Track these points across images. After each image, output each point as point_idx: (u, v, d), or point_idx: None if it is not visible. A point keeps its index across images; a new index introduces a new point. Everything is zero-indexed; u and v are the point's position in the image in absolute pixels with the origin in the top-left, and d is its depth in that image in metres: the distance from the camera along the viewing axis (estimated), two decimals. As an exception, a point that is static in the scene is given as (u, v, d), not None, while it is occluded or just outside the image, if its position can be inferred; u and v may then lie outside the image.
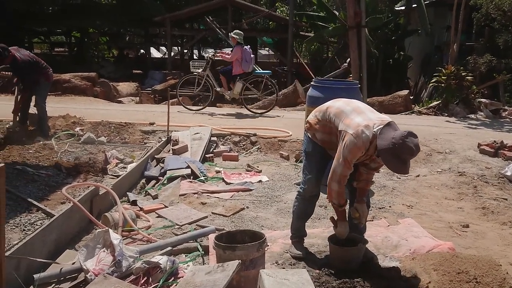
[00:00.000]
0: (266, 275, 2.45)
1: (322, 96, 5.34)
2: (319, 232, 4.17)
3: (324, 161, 3.63)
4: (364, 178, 3.45)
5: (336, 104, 3.48)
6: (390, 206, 5.02)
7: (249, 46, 9.96)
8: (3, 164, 2.81)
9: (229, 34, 10.03)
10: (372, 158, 3.30)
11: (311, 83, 5.73)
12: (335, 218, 3.53)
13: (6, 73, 11.02)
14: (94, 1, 23.08)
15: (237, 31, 10.01)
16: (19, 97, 7.22)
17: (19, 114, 7.22)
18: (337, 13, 15.19)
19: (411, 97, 13.10)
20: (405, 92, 12.35)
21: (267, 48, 26.45)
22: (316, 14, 17.23)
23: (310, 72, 16.34)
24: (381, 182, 5.83)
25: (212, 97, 10.44)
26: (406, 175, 3.27)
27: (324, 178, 3.57)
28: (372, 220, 4.56)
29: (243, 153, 7.20)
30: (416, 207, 5.08)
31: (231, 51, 9.84)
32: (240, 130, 7.87)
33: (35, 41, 25.90)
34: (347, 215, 3.53)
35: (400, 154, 3.00)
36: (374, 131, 3.11)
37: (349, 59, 12.27)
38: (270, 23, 25.06)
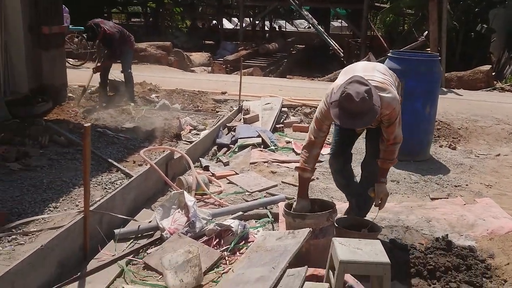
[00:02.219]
0: (338, 244, 2.45)
1: (399, 68, 5.16)
2: (390, 207, 4.09)
3: (344, 137, 3.50)
4: (382, 156, 3.22)
5: None
6: (467, 185, 4.81)
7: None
8: (89, 124, 2.99)
9: None
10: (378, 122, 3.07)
11: (388, 54, 5.54)
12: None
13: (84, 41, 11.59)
14: (170, -29, 23.43)
15: None
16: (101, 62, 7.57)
17: (100, 80, 7.55)
18: (417, -17, 14.45)
19: (493, 73, 12.34)
20: (487, 67, 11.65)
21: (340, 20, 25.83)
22: (394, -16, 16.50)
23: (385, 45, 15.79)
24: (458, 159, 5.60)
25: None
26: (359, 131, 3.03)
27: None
28: (447, 198, 4.41)
29: (313, 124, 7.14)
30: (496, 187, 4.83)
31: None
32: (311, 102, 7.80)
33: (113, 11, 26.84)
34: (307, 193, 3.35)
35: (342, 102, 2.74)
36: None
37: (427, 31, 11.74)
38: (344, -7, 24.34)
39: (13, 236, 3.38)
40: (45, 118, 6.14)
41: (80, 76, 8.55)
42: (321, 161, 5.31)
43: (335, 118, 2.83)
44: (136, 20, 29.56)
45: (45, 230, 3.49)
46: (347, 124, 2.87)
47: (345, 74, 3.15)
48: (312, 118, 7.42)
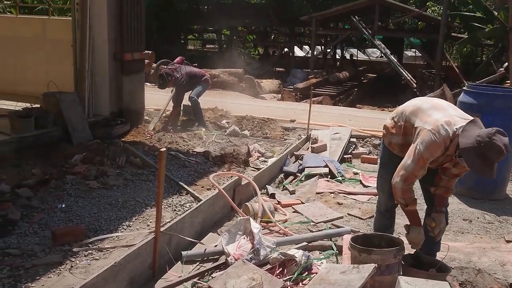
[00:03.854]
0: (405, 283, 2.40)
1: (475, 103, 5.02)
2: (462, 247, 3.93)
3: None
4: (443, 185, 3.14)
5: (412, 103, 3.25)
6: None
7: None
8: (165, 149, 3.15)
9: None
10: (453, 160, 2.95)
11: (464, 88, 5.39)
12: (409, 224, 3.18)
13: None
14: (245, 0, 24.23)
15: None
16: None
17: (173, 104, 7.89)
18: (496, 13, 13.98)
19: None
20: None
21: (414, 50, 25.37)
22: (472, 14, 16.07)
23: (461, 76, 15.30)
24: (537, 200, 5.29)
25: None
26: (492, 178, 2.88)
27: None
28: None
29: (382, 156, 7.02)
30: None
31: None
32: (381, 133, 7.67)
33: (189, 37, 28.05)
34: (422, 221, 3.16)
35: (487, 153, 2.68)
36: (455, 128, 2.83)
37: (506, 63, 11.29)
38: (419, 23, 23.96)
39: (90, 251, 3.60)
40: (123, 139, 6.49)
41: (157, 100, 8.97)
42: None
43: (475, 167, 2.77)
44: (211, 47, 30.70)
45: (118, 247, 3.69)
46: (488, 174, 2.80)
47: (441, 111, 3.01)
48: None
